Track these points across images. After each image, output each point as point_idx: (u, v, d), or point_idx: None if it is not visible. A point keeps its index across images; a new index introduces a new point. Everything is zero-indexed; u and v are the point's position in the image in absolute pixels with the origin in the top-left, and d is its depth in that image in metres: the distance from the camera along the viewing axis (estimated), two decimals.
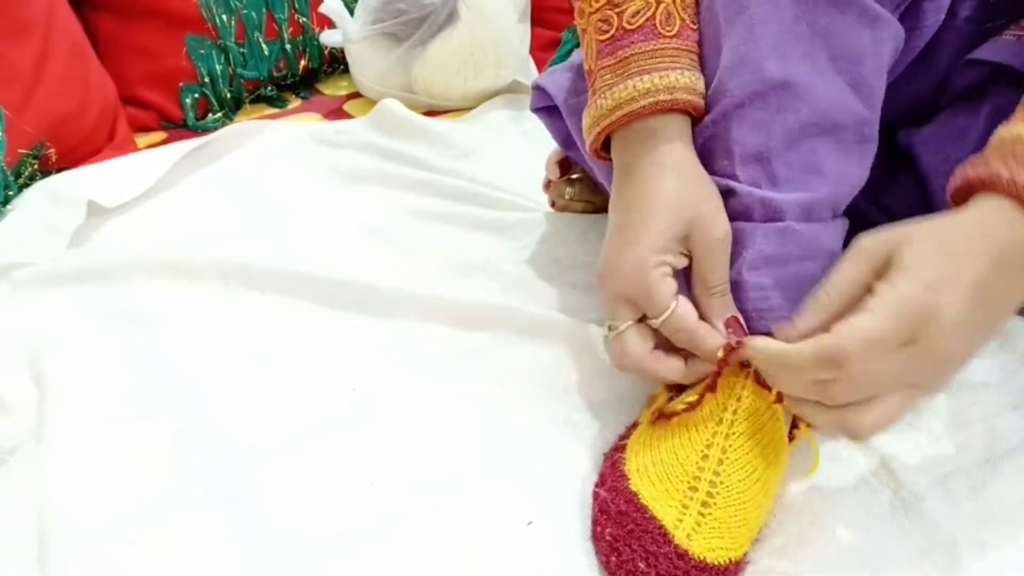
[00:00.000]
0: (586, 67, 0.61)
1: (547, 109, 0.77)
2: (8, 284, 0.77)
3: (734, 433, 0.53)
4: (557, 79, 0.75)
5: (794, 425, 0.56)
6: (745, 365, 0.54)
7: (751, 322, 0.55)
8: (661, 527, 0.50)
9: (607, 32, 0.59)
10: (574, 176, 0.86)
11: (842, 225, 0.59)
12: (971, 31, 0.64)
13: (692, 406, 0.54)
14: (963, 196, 0.50)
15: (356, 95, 1.19)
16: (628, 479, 0.54)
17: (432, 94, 1.12)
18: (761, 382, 0.53)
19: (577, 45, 1.24)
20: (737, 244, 0.56)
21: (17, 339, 0.71)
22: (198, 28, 1.10)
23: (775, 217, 0.55)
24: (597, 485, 0.56)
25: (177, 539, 0.55)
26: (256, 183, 0.95)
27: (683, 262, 0.56)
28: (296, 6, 1.16)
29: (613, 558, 0.51)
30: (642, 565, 0.49)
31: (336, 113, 1.16)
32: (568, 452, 0.60)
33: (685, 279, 0.57)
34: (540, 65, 1.18)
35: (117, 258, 0.79)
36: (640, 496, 0.52)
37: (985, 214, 0.48)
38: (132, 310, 0.74)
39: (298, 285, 0.76)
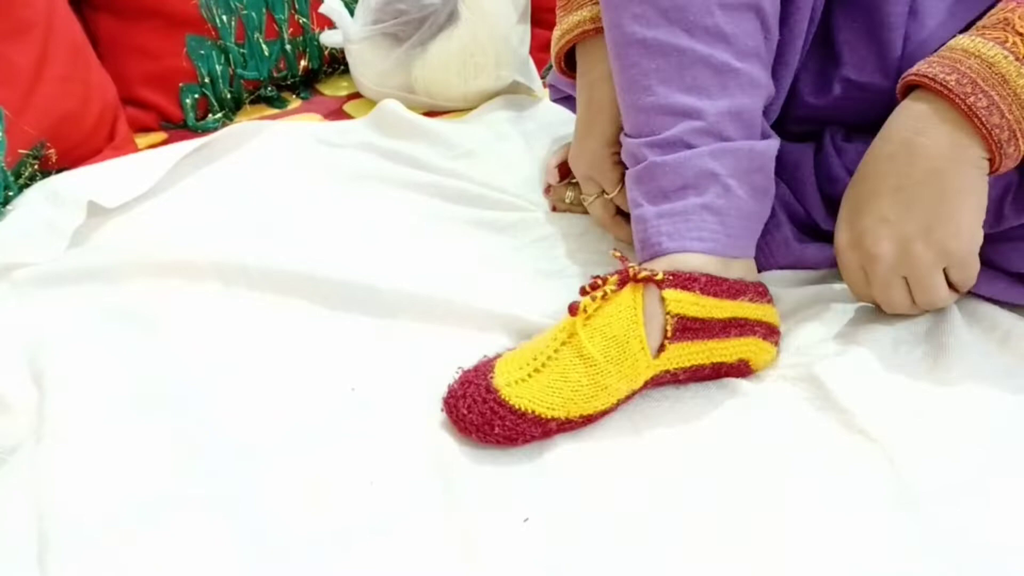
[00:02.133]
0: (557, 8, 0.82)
1: (566, 98, 0.92)
2: (8, 284, 0.77)
3: (588, 326, 0.61)
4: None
5: (661, 348, 0.61)
6: (627, 278, 0.62)
7: (642, 252, 0.67)
8: (492, 384, 0.60)
9: None
10: (574, 180, 0.86)
11: (735, 147, 0.66)
12: None
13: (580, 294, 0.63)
14: (904, 92, 0.65)
15: (356, 95, 1.19)
16: (493, 368, 0.61)
17: (432, 94, 1.12)
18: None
19: None
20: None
21: (17, 339, 0.71)
22: (198, 28, 1.10)
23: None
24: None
25: (177, 539, 0.55)
26: (256, 183, 0.95)
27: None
28: (296, 6, 1.15)
29: (449, 400, 0.61)
30: (462, 403, 0.60)
31: (336, 113, 1.16)
32: (565, 450, 0.60)
33: None
34: (540, 65, 1.18)
35: (117, 258, 0.79)
36: (492, 373, 0.61)
37: (917, 112, 0.63)
38: (132, 310, 0.74)
39: (298, 285, 0.76)
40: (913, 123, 0.63)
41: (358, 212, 0.89)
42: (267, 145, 1.01)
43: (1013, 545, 0.53)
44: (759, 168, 0.67)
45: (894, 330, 0.68)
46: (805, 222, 0.78)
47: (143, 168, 0.93)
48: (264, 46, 1.14)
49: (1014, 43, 0.61)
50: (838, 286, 0.73)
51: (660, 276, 0.61)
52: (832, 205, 0.77)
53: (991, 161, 0.62)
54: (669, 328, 0.61)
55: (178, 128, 1.12)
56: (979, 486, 0.56)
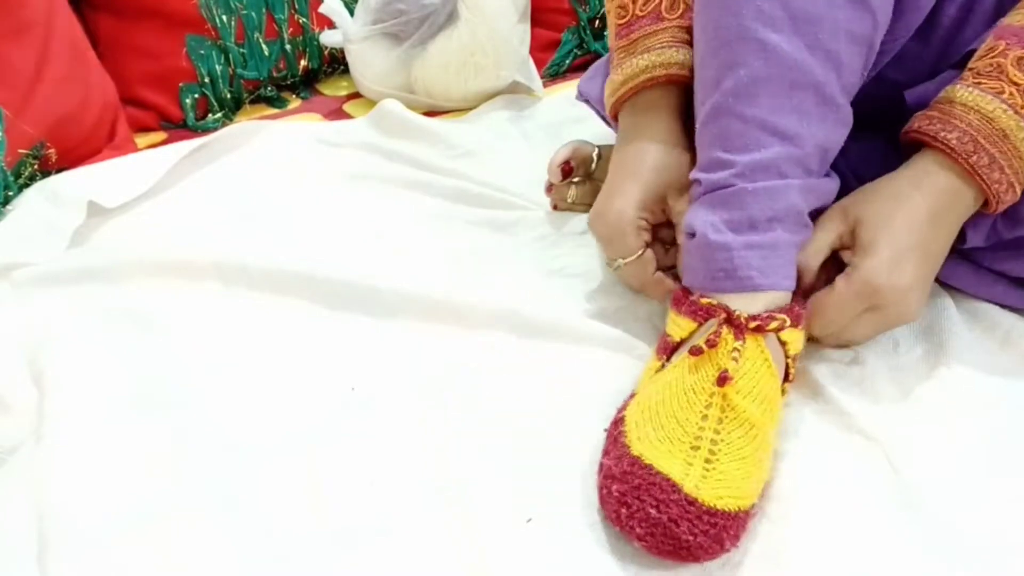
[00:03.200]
0: (610, 45, 0.76)
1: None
2: (8, 284, 0.77)
3: (732, 391, 0.55)
4: (593, 87, 0.86)
5: (785, 378, 0.59)
6: (742, 326, 0.58)
7: (717, 282, 0.60)
8: (668, 479, 0.52)
9: (624, 18, 0.73)
10: (576, 179, 0.86)
11: (816, 184, 0.62)
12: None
13: (693, 352, 0.58)
14: (909, 150, 0.65)
15: (356, 95, 1.19)
16: (629, 447, 0.55)
17: (432, 94, 1.12)
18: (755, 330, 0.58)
19: (576, 46, 1.24)
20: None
21: (17, 339, 0.71)
22: (198, 28, 1.10)
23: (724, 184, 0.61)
24: (602, 457, 0.57)
25: (177, 539, 0.55)
26: (256, 183, 0.95)
27: (660, 218, 0.70)
28: (296, 6, 1.15)
29: (623, 511, 0.52)
30: (653, 512, 0.51)
31: (336, 113, 1.16)
32: (568, 449, 0.60)
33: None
34: (540, 65, 1.18)
35: (117, 258, 0.79)
36: (643, 458, 0.54)
37: (921, 168, 0.63)
38: (132, 310, 0.74)
39: (298, 285, 0.76)
40: (915, 180, 0.63)
41: (358, 212, 0.89)
42: (267, 145, 1.01)
43: (1013, 545, 0.53)
44: (824, 208, 0.65)
45: (894, 331, 0.68)
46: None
47: (143, 168, 0.93)
48: (264, 46, 1.14)
49: (1011, 93, 0.61)
50: None
51: (780, 324, 0.58)
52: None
53: (986, 203, 0.63)
54: (792, 371, 0.60)
55: (178, 128, 1.12)
56: (979, 486, 0.56)
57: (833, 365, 0.66)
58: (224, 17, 1.11)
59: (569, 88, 1.16)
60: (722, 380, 0.55)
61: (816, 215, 0.65)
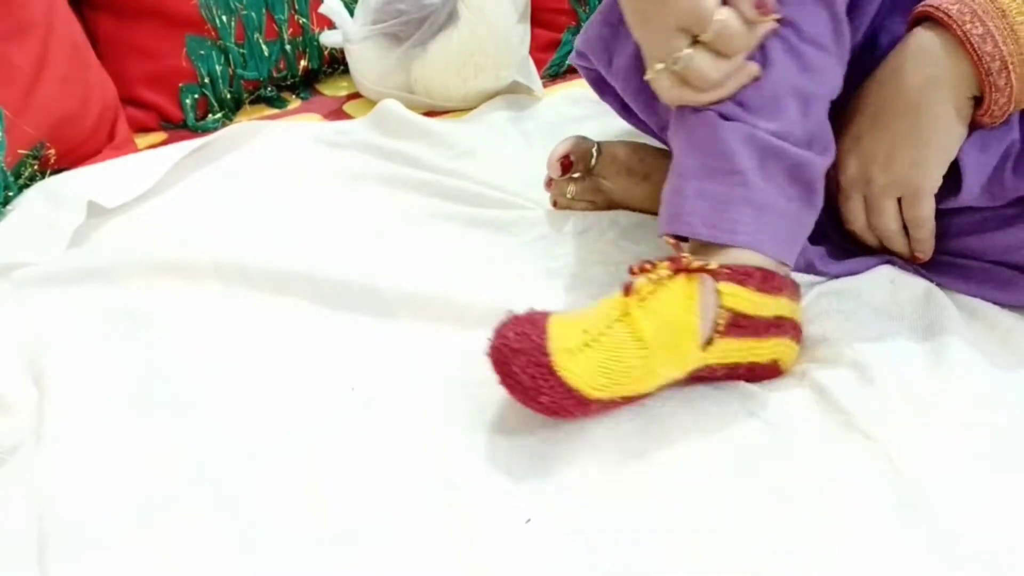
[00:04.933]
0: None
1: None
2: (8, 284, 0.77)
3: (633, 304, 0.59)
4: (593, 41, 0.80)
5: (709, 342, 0.60)
6: (680, 265, 0.60)
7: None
8: (547, 344, 0.57)
9: None
10: (576, 175, 0.86)
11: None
12: None
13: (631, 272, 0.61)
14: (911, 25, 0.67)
15: (356, 95, 1.19)
16: (548, 316, 0.60)
17: (432, 94, 1.12)
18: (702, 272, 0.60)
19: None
20: None
21: (17, 339, 0.71)
22: (198, 28, 1.10)
23: None
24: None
25: (177, 539, 0.55)
26: (256, 183, 0.95)
27: None
28: (296, 7, 1.15)
29: (505, 352, 0.58)
30: (517, 362, 0.57)
31: (336, 113, 1.15)
32: (567, 449, 0.60)
33: None
34: (540, 65, 1.18)
35: (117, 258, 0.79)
36: (548, 323, 0.58)
37: (915, 41, 0.66)
38: (132, 310, 0.74)
39: (298, 285, 0.76)
40: (909, 51, 0.66)
41: (358, 212, 0.89)
42: (267, 145, 1.01)
43: (1014, 544, 0.53)
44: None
45: (894, 330, 0.68)
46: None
47: (143, 168, 0.93)
48: (264, 46, 1.14)
49: None
50: (839, 285, 0.73)
51: (714, 266, 0.60)
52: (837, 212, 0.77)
53: (980, 101, 0.63)
54: (722, 323, 0.60)
55: (178, 128, 1.11)
56: (980, 485, 0.56)
57: (834, 365, 0.66)
58: (224, 17, 1.11)
59: (569, 88, 1.16)
60: (626, 289, 0.59)
61: None
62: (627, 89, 0.77)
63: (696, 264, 0.60)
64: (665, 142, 0.78)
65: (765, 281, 0.62)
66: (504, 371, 0.58)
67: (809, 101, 0.64)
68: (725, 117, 0.63)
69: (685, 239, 0.65)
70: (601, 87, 0.85)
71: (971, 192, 0.67)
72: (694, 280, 0.60)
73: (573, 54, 0.85)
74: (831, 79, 0.66)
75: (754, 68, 0.63)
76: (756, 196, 0.62)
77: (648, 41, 0.65)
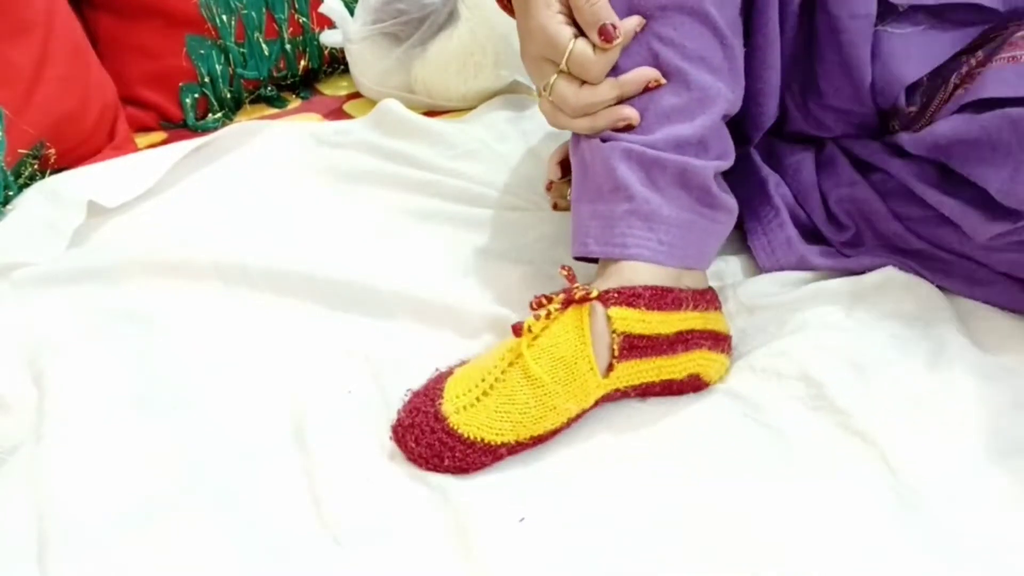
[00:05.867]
0: None
1: None
2: (8, 284, 0.77)
3: (535, 346, 0.60)
4: None
5: (609, 367, 0.61)
6: (571, 298, 0.61)
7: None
8: (440, 408, 0.59)
9: None
10: None
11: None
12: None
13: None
14: None
15: (356, 95, 1.19)
16: (449, 374, 0.62)
17: (432, 94, 1.12)
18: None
19: None
20: None
21: (17, 339, 0.71)
22: (198, 28, 1.10)
23: None
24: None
25: (177, 539, 0.55)
26: (256, 183, 0.95)
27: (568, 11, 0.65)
28: (296, 6, 1.15)
29: (400, 432, 0.60)
30: (408, 419, 0.60)
31: (336, 113, 1.15)
32: (561, 450, 0.60)
33: None
34: None
35: (117, 258, 0.79)
36: (443, 388, 0.61)
37: None
38: (132, 310, 0.74)
39: (298, 285, 0.76)
40: None
41: (358, 212, 0.89)
42: (267, 145, 1.01)
43: (1012, 545, 0.53)
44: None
45: (892, 330, 0.69)
46: (807, 225, 0.78)
47: (143, 168, 0.93)
48: (264, 46, 1.14)
49: None
50: (839, 286, 0.73)
51: (595, 294, 0.61)
52: (833, 211, 0.77)
53: None
54: (616, 347, 0.60)
55: (178, 128, 1.11)
56: (978, 486, 0.57)
57: (831, 365, 0.66)
58: (224, 17, 1.11)
59: None
60: (516, 330, 0.60)
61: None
62: None
63: (581, 293, 0.61)
64: None
65: (658, 299, 0.62)
66: (404, 448, 0.60)
67: (693, 114, 0.64)
68: (603, 139, 0.65)
69: (594, 260, 0.67)
70: None
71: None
72: (584, 310, 0.61)
73: None
74: (720, 91, 0.65)
75: (629, 113, 0.65)
76: (642, 208, 0.63)
77: (528, 70, 0.69)
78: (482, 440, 0.58)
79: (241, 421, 0.64)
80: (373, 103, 1.10)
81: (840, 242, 0.77)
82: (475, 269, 0.80)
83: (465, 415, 0.59)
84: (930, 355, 0.67)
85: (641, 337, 0.61)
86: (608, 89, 0.64)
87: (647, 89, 0.64)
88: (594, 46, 0.63)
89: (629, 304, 0.60)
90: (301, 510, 0.57)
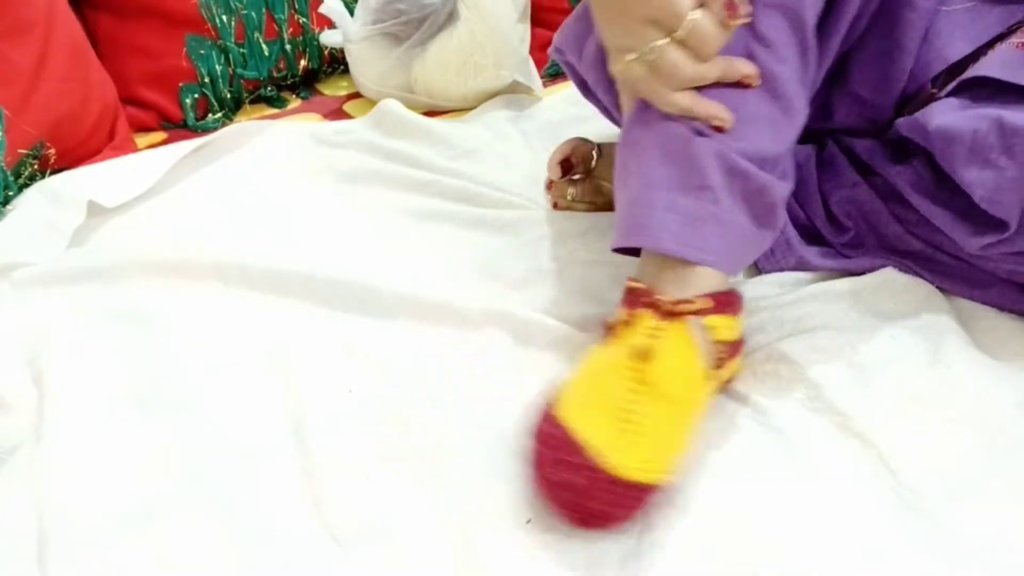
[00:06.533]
0: None
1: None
2: (8, 284, 0.77)
3: (654, 368, 0.57)
4: (567, 35, 0.79)
5: (718, 365, 0.60)
6: (662, 308, 0.59)
7: None
8: (587, 445, 0.54)
9: None
10: (576, 177, 0.86)
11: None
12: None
13: (609, 328, 0.60)
14: None
15: (356, 95, 1.19)
16: (557, 410, 0.57)
17: (432, 94, 1.12)
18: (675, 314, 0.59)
19: None
20: None
21: (17, 339, 0.71)
22: (198, 28, 1.10)
23: None
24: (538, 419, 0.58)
25: (177, 539, 0.55)
26: (256, 183, 0.95)
27: None
28: (296, 6, 1.15)
29: (545, 471, 0.54)
30: (567, 477, 0.53)
31: (336, 113, 1.15)
32: None
33: None
34: (540, 65, 1.18)
35: (117, 258, 0.79)
36: (569, 422, 0.55)
37: None
38: (132, 310, 0.74)
39: (298, 285, 0.76)
40: None
41: (358, 212, 0.89)
42: (267, 145, 1.01)
43: (1012, 545, 0.53)
44: None
45: (892, 331, 0.68)
46: (807, 226, 0.78)
47: (143, 168, 0.93)
48: (264, 46, 1.14)
49: None
50: (838, 287, 0.73)
51: (697, 307, 0.59)
52: (833, 212, 0.77)
53: None
54: (717, 356, 0.60)
55: (178, 128, 1.12)
56: (977, 487, 0.57)
57: (833, 365, 0.66)
58: (224, 17, 1.11)
59: (569, 88, 1.16)
60: (644, 356, 0.57)
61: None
62: (598, 81, 0.76)
63: (683, 308, 0.59)
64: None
65: (736, 305, 0.62)
66: (580, 513, 0.54)
67: (777, 127, 0.63)
68: (698, 132, 0.61)
69: (633, 252, 0.64)
70: (585, 86, 0.84)
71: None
72: (684, 323, 0.59)
73: (551, 49, 0.83)
74: (802, 107, 0.64)
75: (726, 115, 0.60)
76: (724, 215, 0.61)
77: (619, 33, 0.61)
78: (648, 483, 0.54)
79: (241, 421, 0.64)
80: (373, 103, 1.10)
81: (840, 243, 0.76)
82: (475, 269, 0.80)
83: (624, 457, 0.53)
84: (930, 355, 0.66)
85: (728, 343, 0.61)
86: (715, 67, 0.60)
87: (738, 84, 0.61)
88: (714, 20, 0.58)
89: (722, 312, 0.60)
90: (300, 510, 0.57)
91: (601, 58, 0.71)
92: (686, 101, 0.60)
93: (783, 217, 0.65)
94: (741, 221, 0.61)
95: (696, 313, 0.59)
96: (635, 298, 0.61)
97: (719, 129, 0.60)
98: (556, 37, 0.81)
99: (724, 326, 0.60)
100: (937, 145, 0.66)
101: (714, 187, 0.60)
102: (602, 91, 0.76)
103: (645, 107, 0.63)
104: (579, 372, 0.60)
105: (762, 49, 0.61)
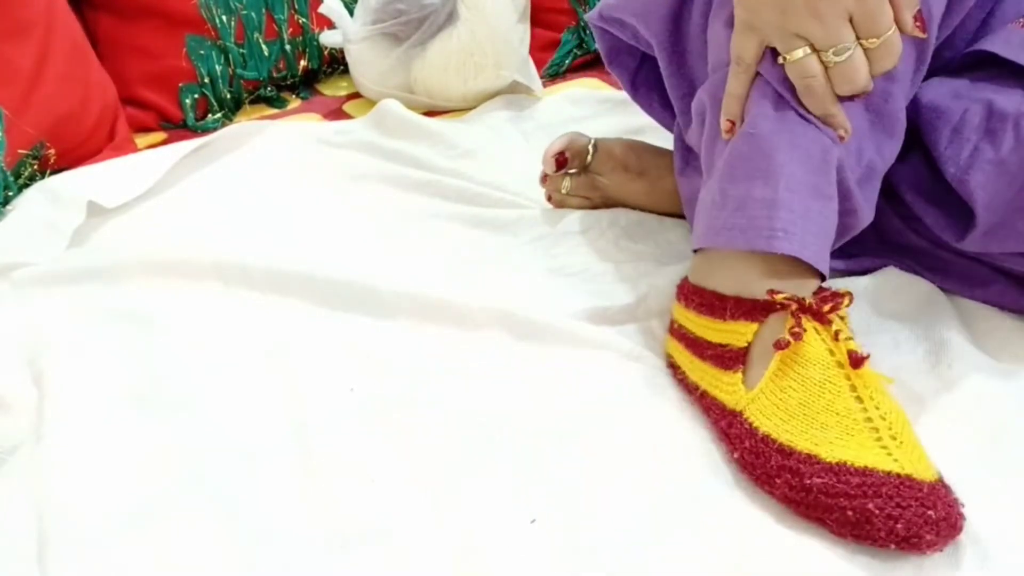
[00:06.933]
0: None
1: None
2: (8, 284, 0.77)
3: (868, 370, 0.55)
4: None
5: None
6: (820, 312, 0.57)
7: None
8: (898, 475, 0.50)
9: None
10: (571, 171, 0.86)
11: None
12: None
13: (780, 346, 0.56)
14: None
15: (356, 95, 1.19)
16: (818, 456, 0.53)
17: (432, 94, 1.12)
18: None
19: (576, 46, 1.24)
20: None
21: (17, 339, 0.71)
22: (198, 28, 1.10)
23: None
24: (774, 469, 0.54)
25: (177, 539, 0.55)
26: (256, 183, 0.95)
27: None
28: (296, 6, 1.16)
29: (895, 526, 0.50)
30: (930, 513, 0.49)
31: (336, 113, 1.16)
32: (570, 450, 0.60)
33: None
34: (540, 65, 1.18)
35: (117, 258, 0.79)
36: (850, 463, 0.51)
37: None
38: (132, 310, 0.74)
39: (298, 285, 0.76)
40: None
41: (358, 212, 0.89)
42: (267, 145, 1.01)
43: (1014, 544, 0.53)
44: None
45: (892, 330, 0.68)
46: None
47: (143, 168, 0.93)
48: (264, 46, 1.14)
49: None
50: (839, 286, 0.73)
51: (849, 298, 0.59)
52: None
53: None
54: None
55: (178, 128, 1.12)
56: (980, 486, 0.56)
57: None
58: (224, 17, 1.11)
59: (569, 88, 1.17)
60: (858, 362, 0.55)
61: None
62: (696, 52, 0.72)
63: (845, 303, 0.58)
64: (673, 122, 0.77)
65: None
66: (948, 537, 0.51)
67: (881, 143, 0.62)
68: (832, 140, 0.60)
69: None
70: (614, 58, 0.82)
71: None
72: (829, 327, 0.58)
73: (594, 15, 0.80)
74: (901, 119, 0.63)
75: (849, 127, 0.60)
76: (835, 225, 0.60)
77: (805, 20, 0.57)
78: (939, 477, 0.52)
79: (241, 421, 0.63)
80: (373, 103, 1.10)
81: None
82: (475, 269, 0.80)
83: (919, 466, 0.52)
84: (930, 355, 0.66)
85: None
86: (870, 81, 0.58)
87: (851, 97, 0.59)
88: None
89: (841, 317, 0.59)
90: (301, 510, 0.57)
91: (670, 16, 0.70)
92: (837, 108, 0.59)
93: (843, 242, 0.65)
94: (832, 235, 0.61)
95: (844, 306, 0.58)
96: (772, 308, 0.58)
97: (840, 139, 0.60)
98: (605, 1, 0.78)
99: (847, 329, 0.60)
100: (924, 119, 0.66)
101: (835, 197, 0.59)
102: (667, 55, 0.73)
103: (780, 102, 0.60)
104: (768, 413, 0.56)
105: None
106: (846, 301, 0.58)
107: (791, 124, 0.60)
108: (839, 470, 0.52)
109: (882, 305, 0.71)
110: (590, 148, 0.85)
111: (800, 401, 0.55)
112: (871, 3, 0.55)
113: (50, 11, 0.97)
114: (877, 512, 0.50)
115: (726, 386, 0.60)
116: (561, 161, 0.84)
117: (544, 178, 0.87)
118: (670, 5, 0.71)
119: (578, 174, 0.86)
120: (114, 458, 0.60)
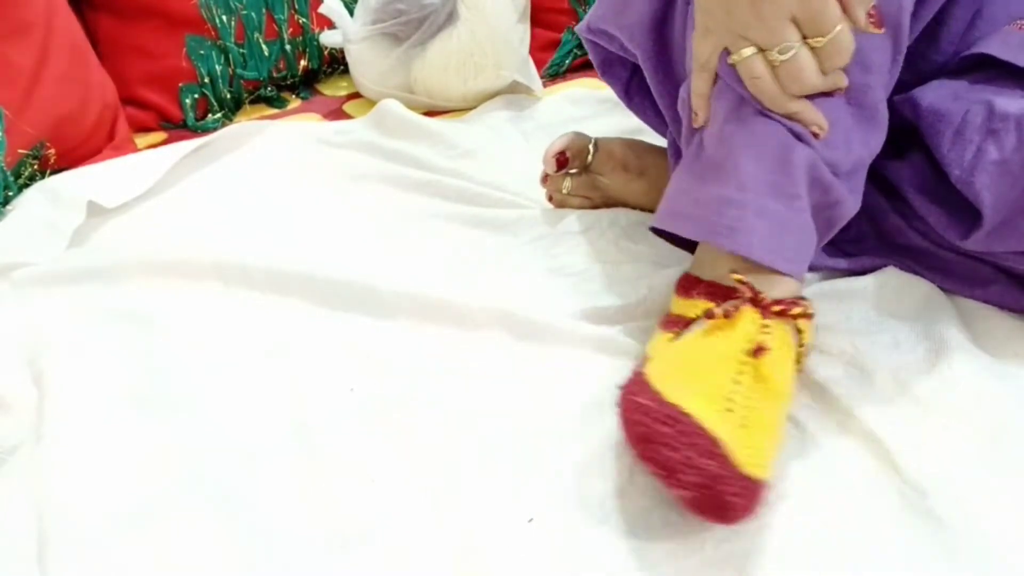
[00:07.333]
0: None
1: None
2: (8, 284, 0.77)
3: (765, 364, 0.55)
4: (608, 8, 0.76)
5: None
6: (767, 306, 0.57)
7: None
8: (713, 436, 0.51)
9: None
10: (572, 171, 0.86)
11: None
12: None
13: (709, 316, 0.57)
14: None
15: (356, 95, 1.19)
16: (662, 393, 0.54)
17: (432, 94, 1.12)
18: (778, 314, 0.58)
19: (576, 46, 1.24)
20: None
21: (17, 339, 0.71)
22: (198, 28, 1.10)
23: None
24: (628, 397, 0.56)
25: (177, 539, 0.55)
26: (256, 183, 0.95)
27: None
28: (296, 6, 1.16)
29: (669, 454, 0.51)
30: (704, 463, 0.50)
31: (336, 113, 1.16)
32: (568, 449, 0.60)
33: None
34: (540, 65, 1.18)
35: (117, 258, 0.79)
36: (682, 406, 0.52)
37: None
38: (132, 310, 0.74)
39: (298, 285, 0.76)
40: None
41: (358, 212, 0.89)
42: (267, 145, 1.01)
43: (1016, 544, 0.53)
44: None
45: (892, 330, 0.68)
46: None
47: (143, 168, 0.93)
48: (264, 46, 1.14)
49: None
50: (839, 286, 0.73)
51: (803, 310, 0.59)
52: None
53: None
54: (802, 361, 0.60)
55: (178, 128, 1.12)
56: (981, 485, 0.56)
57: (834, 365, 0.66)
58: (224, 17, 1.11)
59: (569, 88, 1.17)
60: (758, 351, 0.55)
61: None
62: (651, 52, 0.73)
63: (794, 311, 0.58)
64: (667, 128, 0.77)
65: (811, 309, 0.61)
66: (716, 505, 0.51)
67: (865, 134, 0.62)
68: (796, 136, 0.59)
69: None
70: (606, 69, 0.83)
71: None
72: (786, 324, 0.58)
73: (583, 27, 0.80)
74: (882, 111, 0.63)
75: (825, 124, 0.59)
76: (807, 224, 0.60)
77: (747, 22, 0.57)
78: (763, 479, 0.52)
79: (241, 421, 0.64)
80: (373, 103, 1.10)
81: (842, 240, 0.76)
82: (475, 269, 0.80)
83: (742, 450, 0.51)
84: (931, 355, 0.66)
85: (806, 348, 0.62)
86: (830, 78, 0.59)
87: (824, 93, 0.59)
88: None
89: (809, 317, 0.60)
90: (301, 510, 0.57)
91: (652, 26, 0.71)
92: (797, 106, 0.59)
93: (834, 233, 0.65)
94: (813, 232, 0.61)
95: (798, 316, 0.59)
96: (724, 294, 0.59)
97: (814, 136, 0.60)
98: (592, 13, 0.78)
99: (808, 329, 0.60)
100: (925, 122, 0.66)
101: (803, 195, 0.59)
102: (652, 64, 0.74)
103: (742, 101, 0.60)
104: (667, 360, 0.58)
105: (852, 62, 0.59)
106: (799, 310, 0.58)
107: (750, 123, 0.60)
108: (668, 403, 0.53)
109: (882, 305, 0.71)
110: (591, 148, 0.85)
111: (691, 361, 0.57)
112: (814, 3, 0.56)
113: (50, 11, 0.97)
114: (658, 434, 0.51)
115: (655, 341, 0.62)
116: (562, 161, 0.84)
117: (545, 178, 0.87)
118: (653, 16, 0.72)
119: (579, 174, 0.86)
120: (114, 458, 0.60)
